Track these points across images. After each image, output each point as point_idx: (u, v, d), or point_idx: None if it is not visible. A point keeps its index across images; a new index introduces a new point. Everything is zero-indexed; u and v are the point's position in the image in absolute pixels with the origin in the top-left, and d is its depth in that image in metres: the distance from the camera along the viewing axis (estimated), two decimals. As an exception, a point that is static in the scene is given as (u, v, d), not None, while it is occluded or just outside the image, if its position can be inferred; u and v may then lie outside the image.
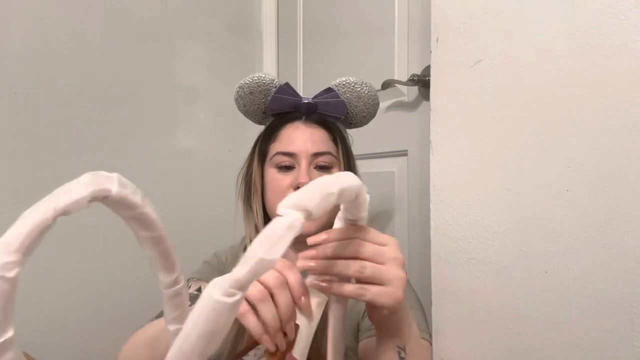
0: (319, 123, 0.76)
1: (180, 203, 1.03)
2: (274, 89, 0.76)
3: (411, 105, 0.96)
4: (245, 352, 0.54)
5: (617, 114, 0.57)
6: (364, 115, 0.80)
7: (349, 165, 0.76)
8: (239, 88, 0.78)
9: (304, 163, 0.72)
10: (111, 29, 0.95)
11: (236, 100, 0.80)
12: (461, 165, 0.72)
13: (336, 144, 0.75)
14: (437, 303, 0.75)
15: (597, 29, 0.59)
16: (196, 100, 1.14)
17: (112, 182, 0.30)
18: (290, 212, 0.30)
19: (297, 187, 0.70)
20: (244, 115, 0.84)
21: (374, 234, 0.44)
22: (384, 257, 0.43)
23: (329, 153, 0.73)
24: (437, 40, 0.75)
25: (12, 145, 0.80)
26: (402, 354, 0.50)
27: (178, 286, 0.38)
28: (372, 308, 0.46)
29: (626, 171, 0.57)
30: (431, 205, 0.76)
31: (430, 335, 0.70)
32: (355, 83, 0.75)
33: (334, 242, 0.43)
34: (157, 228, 0.35)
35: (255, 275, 0.27)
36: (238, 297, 0.26)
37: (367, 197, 0.42)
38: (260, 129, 0.83)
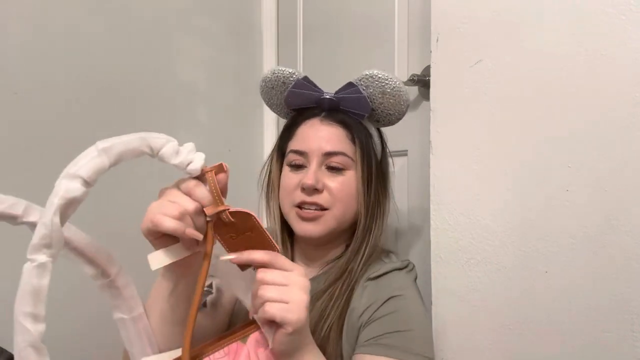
0: (337, 121, 0.70)
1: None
2: (292, 83, 0.71)
3: (411, 105, 0.96)
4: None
5: (617, 114, 0.57)
6: (390, 113, 0.71)
7: (369, 168, 0.70)
8: (262, 82, 0.75)
9: (314, 163, 0.68)
10: (111, 28, 0.95)
11: (261, 94, 0.78)
12: (461, 165, 0.72)
13: (354, 144, 0.69)
14: (437, 303, 0.75)
15: (597, 29, 0.59)
16: (196, 100, 1.14)
17: None
18: (58, 182, 0.38)
19: (303, 189, 0.67)
20: (270, 109, 0.80)
21: (282, 261, 0.48)
22: (288, 280, 0.46)
23: (342, 154, 0.68)
24: (437, 40, 0.75)
25: (12, 145, 0.80)
26: None
27: (106, 279, 0.43)
28: (277, 333, 0.46)
29: (626, 171, 0.57)
30: (431, 205, 0.76)
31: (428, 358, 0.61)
32: (380, 77, 0.67)
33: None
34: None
35: (40, 237, 0.35)
36: (40, 260, 0.34)
37: (172, 143, 0.43)
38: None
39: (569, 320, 0.61)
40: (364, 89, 0.68)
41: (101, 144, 0.40)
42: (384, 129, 0.77)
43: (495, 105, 0.68)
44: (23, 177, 0.80)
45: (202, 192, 0.45)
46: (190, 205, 0.45)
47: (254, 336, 0.52)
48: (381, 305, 0.62)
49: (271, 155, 0.77)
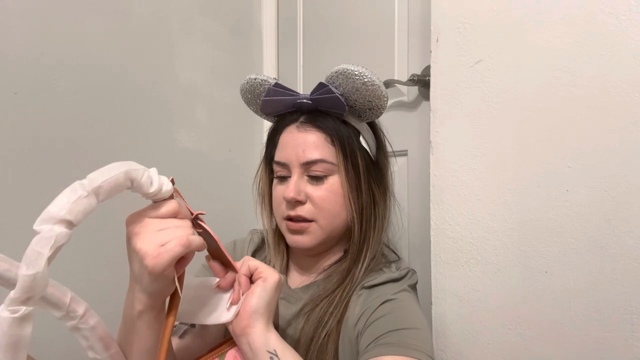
0: (315, 125, 0.67)
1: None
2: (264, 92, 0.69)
3: (411, 105, 0.96)
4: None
5: (617, 114, 0.57)
6: (369, 108, 0.67)
7: (355, 168, 0.66)
8: (241, 92, 0.73)
9: (295, 174, 0.66)
10: (111, 28, 0.95)
11: (247, 105, 0.76)
12: (461, 165, 0.72)
13: (334, 147, 0.66)
14: (437, 303, 0.75)
15: (597, 29, 0.59)
16: (196, 100, 1.14)
17: None
18: (44, 227, 0.34)
19: (287, 201, 0.65)
20: (260, 116, 0.78)
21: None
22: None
23: (321, 161, 0.65)
24: (437, 40, 0.75)
25: (12, 145, 0.80)
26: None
27: (75, 320, 0.41)
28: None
29: (626, 171, 0.57)
30: (431, 205, 0.76)
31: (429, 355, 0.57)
32: (349, 73, 0.62)
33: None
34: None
35: (25, 290, 0.32)
36: (22, 311, 0.32)
37: (147, 172, 0.43)
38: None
39: (569, 320, 0.61)
40: (335, 88, 0.64)
41: (90, 184, 0.37)
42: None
43: (495, 105, 0.68)
44: (23, 177, 0.80)
45: (185, 209, 0.47)
46: (188, 224, 0.46)
47: (230, 353, 0.54)
48: (375, 309, 0.61)
49: (260, 164, 0.76)
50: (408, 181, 0.97)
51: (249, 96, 0.73)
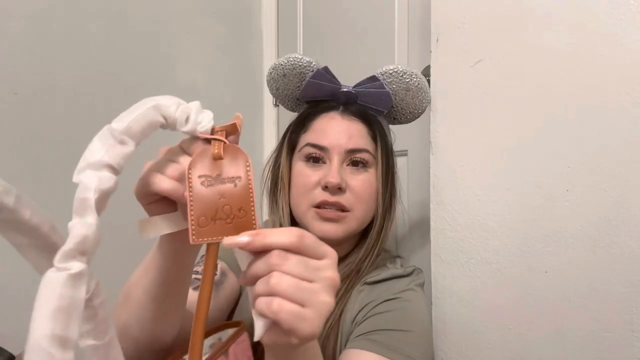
0: (358, 115, 0.67)
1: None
2: (310, 73, 0.67)
3: (411, 105, 0.96)
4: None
5: (617, 114, 0.57)
6: (410, 111, 0.69)
7: (387, 166, 0.68)
8: (272, 69, 0.70)
9: (335, 159, 0.63)
10: (111, 28, 0.95)
11: (268, 82, 0.72)
12: (461, 165, 0.72)
13: (375, 142, 0.66)
14: (437, 303, 0.75)
15: (597, 29, 0.59)
16: (196, 100, 1.14)
17: None
18: (82, 176, 0.30)
19: (325, 187, 0.62)
20: (276, 99, 0.76)
21: (312, 244, 0.34)
22: (315, 274, 0.33)
23: (365, 150, 0.65)
24: (437, 40, 0.75)
25: (12, 145, 0.80)
26: None
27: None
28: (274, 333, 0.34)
29: (626, 171, 0.57)
30: (431, 205, 0.76)
31: None
32: (404, 73, 0.64)
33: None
34: (40, 235, 0.31)
35: (76, 241, 0.27)
36: (77, 267, 0.27)
37: (182, 106, 0.37)
38: (292, 116, 0.75)
39: (569, 320, 0.61)
40: (387, 84, 0.66)
41: (117, 126, 0.34)
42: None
43: (495, 105, 0.68)
44: (23, 176, 0.80)
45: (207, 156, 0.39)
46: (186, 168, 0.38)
47: (233, 350, 0.51)
48: (375, 306, 0.60)
49: (279, 148, 0.72)
50: (408, 181, 0.97)
51: (282, 75, 0.69)
